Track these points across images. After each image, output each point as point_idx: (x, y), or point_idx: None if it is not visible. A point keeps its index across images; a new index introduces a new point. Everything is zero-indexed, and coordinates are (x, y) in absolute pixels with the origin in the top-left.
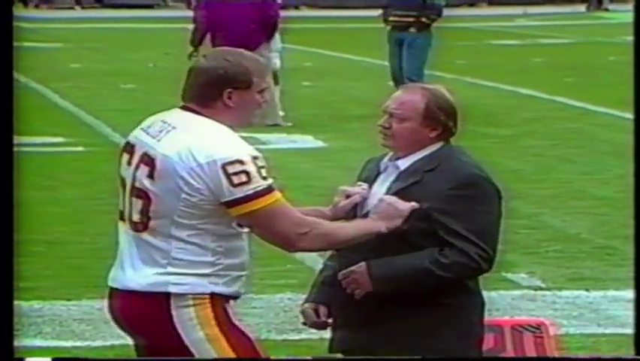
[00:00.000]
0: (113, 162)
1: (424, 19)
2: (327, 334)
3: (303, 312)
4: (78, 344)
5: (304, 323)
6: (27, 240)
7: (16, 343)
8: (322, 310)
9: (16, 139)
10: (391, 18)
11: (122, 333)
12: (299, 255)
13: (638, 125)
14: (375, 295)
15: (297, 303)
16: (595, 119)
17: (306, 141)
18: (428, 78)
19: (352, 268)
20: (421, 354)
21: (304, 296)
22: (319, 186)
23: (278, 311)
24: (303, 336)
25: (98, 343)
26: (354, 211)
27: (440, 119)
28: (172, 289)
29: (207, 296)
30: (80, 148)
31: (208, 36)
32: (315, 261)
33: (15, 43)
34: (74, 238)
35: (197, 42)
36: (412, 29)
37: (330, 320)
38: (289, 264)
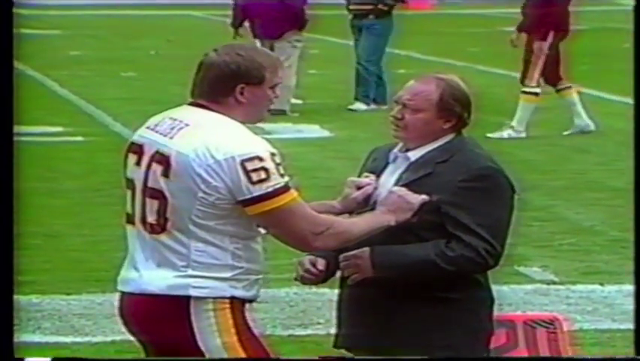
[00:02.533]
0: (114, 152)
1: (380, 6)
2: (333, 329)
3: (298, 263)
4: (78, 339)
5: (295, 278)
6: (25, 232)
7: (14, 338)
8: (320, 261)
9: (14, 129)
10: (351, 6)
11: (124, 329)
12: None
13: (638, 126)
14: (381, 291)
15: (302, 297)
16: (610, 107)
17: (313, 130)
18: (436, 66)
19: (355, 251)
20: (428, 350)
21: (310, 290)
22: (325, 177)
23: (283, 306)
24: (310, 331)
25: (98, 338)
26: (366, 203)
27: (455, 110)
28: (192, 293)
29: (227, 300)
30: (80, 138)
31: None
32: None
33: (13, 30)
34: (74, 230)
35: (236, 25)
36: (371, 16)
37: (322, 270)
38: (294, 257)
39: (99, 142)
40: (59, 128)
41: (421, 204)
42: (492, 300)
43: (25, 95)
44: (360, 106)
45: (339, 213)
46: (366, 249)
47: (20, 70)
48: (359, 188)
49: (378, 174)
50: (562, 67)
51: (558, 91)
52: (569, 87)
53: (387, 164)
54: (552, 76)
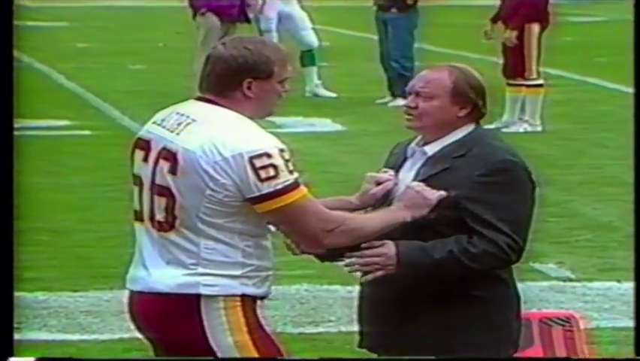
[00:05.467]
0: (121, 146)
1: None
2: (344, 327)
3: None
4: (85, 337)
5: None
6: (31, 228)
7: (19, 336)
8: None
9: (20, 122)
10: None
11: (132, 326)
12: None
13: (637, 129)
14: (402, 289)
15: (313, 294)
16: (628, 101)
17: (324, 124)
18: (450, 58)
19: (380, 249)
20: (451, 349)
21: (322, 287)
22: (338, 171)
23: (294, 303)
24: (321, 329)
25: (105, 336)
26: (385, 199)
27: (470, 96)
28: (203, 291)
29: (238, 298)
30: (87, 132)
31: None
32: None
33: (18, 23)
34: (80, 226)
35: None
36: (394, 10)
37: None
38: (305, 254)
39: (107, 136)
40: (66, 122)
41: (438, 200)
42: (518, 298)
43: (32, 88)
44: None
45: (356, 209)
46: (391, 244)
47: (26, 63)
48: (379, 184)
49: (396, 169)
50: (535, 60)
51: (509, 85)
52: (521, 86)
53: (405, 159)
54: (513, 69)
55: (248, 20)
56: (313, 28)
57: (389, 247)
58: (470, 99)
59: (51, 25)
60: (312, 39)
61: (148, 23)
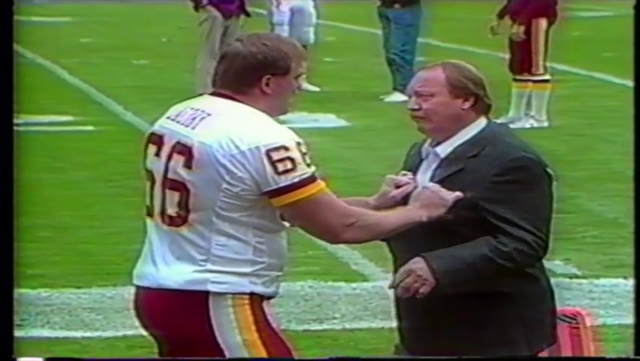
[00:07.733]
0: (124, 142)
1: None
2: (349, 324)
3: None
4: (88, 334)
5: None
6: (34, 225)
7: (22, 333)
8: None
9: (23, 118)
10: None
11: (135, 323)
12: (321, 241)
13: (637, 124)
14: (434, 293)
15: (318, 291)
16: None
17: (329, 119)
18: (456, 53)
19: (409, 266)
20: (484, 347)
21: (326, 284)
22: (342, 167)
23: (298, 300)
24: (325, 326)
25: (109, 333)
26: (405, 202)
27: (468, 87)
28: (211, 288)
29: (247, 296)
30: (90, 127)
31: None
32: (337, 247)
33: (22, 18)
34: (84, 222)
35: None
36: (397, 5)
37: None
38: (310, 250)
39: (110, 132)
40: (69, 118)
41: (454, 201)
42: (551, 292)
43: (34, 84)
44: (399, 97)
45: (373, 210)
46: (418, 259)
47: (29, 58)
48: (398, 187)
49: (414, 171)
50: (542, 56)
51: (516, 80)
52: (528, 81)
53: (421, 161)
54: (519, 64)
55: (248, 14)
56: (316, 24)
57: (417, 262)
58: (469, 90)
59: (54, 20)
60: (310, 36)
61: (152, 18)
